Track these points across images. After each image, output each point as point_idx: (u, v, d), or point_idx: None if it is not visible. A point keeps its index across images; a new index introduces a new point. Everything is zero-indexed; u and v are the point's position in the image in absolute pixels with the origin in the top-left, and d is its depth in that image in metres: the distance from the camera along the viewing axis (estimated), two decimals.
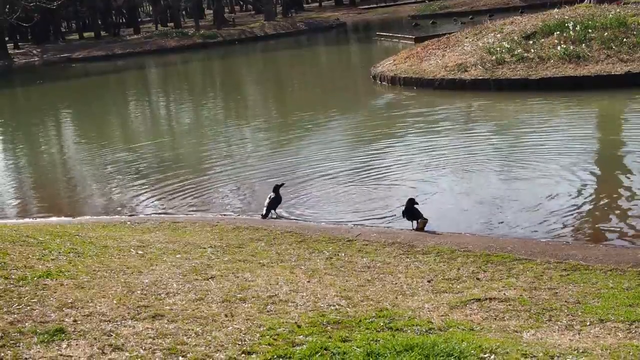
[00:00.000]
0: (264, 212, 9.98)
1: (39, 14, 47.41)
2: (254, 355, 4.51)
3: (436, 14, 54.77)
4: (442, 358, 4.41)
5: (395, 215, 9.48)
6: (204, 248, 7.78)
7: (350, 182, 11.60)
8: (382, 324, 5.14)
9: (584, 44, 18.53)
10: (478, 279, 6.63)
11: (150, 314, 5.15)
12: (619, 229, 8.45)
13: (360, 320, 5.21)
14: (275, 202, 10.06)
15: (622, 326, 5.16)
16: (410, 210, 8.88)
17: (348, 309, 5.55)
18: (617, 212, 9.05)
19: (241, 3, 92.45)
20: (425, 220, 8.86)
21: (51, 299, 5.29)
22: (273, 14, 62.82)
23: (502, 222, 9.01)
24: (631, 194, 9.67)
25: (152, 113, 25.54)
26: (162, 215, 10.69)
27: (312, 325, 5.06)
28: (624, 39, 18.24)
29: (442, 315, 5.48)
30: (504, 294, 6.05)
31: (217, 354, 4.52)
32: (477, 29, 23.24)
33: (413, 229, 8.85)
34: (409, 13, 59.08)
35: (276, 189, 10.23)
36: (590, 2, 23.82)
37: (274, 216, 10.03)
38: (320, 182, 11.76)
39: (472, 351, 4.48)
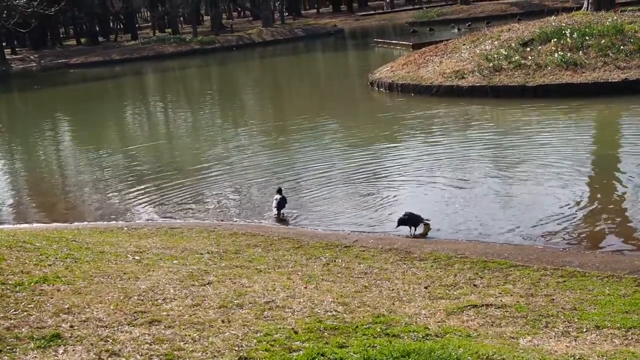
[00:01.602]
0: (275, 212, 10.31)
1: (37, 19, 47.39)
2: None
3: (434, 20, 54.88)
4: None
5: (392, 216, 9.47)
6: (201, 254, 7.78)
7: (347, 188, 11.60)
8: (379, 330, 5.14)
9: (581, 51, 18.59)
10: (475, 285, 6.64)
11: (147, 319, 5.14)
12: (616, 236, 8.47)
13: (357, 326, 5.21)
14: (282, 203, 10.36)
15: (618, 333, 5.17)
16: (411, 217, 8.93)
17: (345, 315, 5.55)
18: (614, 219, 9.07)
19: (239, 9, 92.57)
20: (428, 225, 8.93)
21: (48, 304, 5.29)
22: (271, 20, 62.92)
23: (499, 229, 9.02)
24: (628, 201, 9.69)
25: (150, 119, 25.54)
26: (159, 221, 10.70)
27: (309, 331, 5.06)
28: (621, 46, 18.30)
29: (439, 322, 5.48)
30: (501, 300, 6.06)
31: None
32: (475, 35, 23.29)
33: (411, 236, 8.87)
34: (407, 20, 59.19)
35: (280, 191, 10.54)
36: (587, 9, 23.90)
37: (283, 216, 10.30)
38: (317, 187, 11.77)
39: (469, 357, 4.48)
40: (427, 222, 9.04)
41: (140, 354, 4.53)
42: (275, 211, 10.33)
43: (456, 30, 39.93)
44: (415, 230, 8.96)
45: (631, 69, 17.40)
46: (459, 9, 58.61)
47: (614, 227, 8.79)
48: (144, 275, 6.50)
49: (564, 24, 20.70)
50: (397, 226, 8.97)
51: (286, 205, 10.44)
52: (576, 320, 5.49)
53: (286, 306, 5.70)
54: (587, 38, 19.09)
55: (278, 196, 10.40)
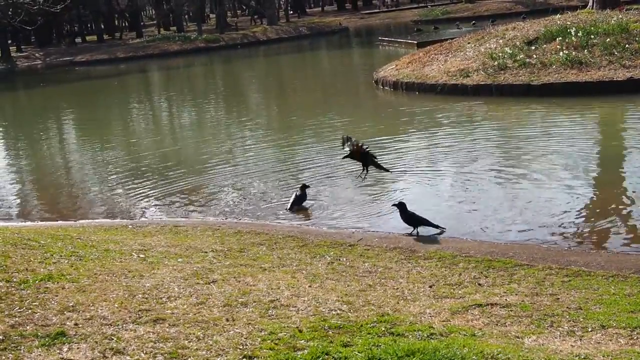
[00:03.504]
0: (289, 205, 10.49)
1: (42, 17, 47.45)
2: None
3: (438, 19, 54.80)
4: None
5: (397, 215, 9.46)
6: (206, 252, 7.78)
7: (351, 186, 11.59)
8: (383, 329, 5.13)
9: (586, 50, 18.53)
10: (479, 284, 6.63)
11: (151, 317, 5.15)
12: (621, 235, 8.44)
13: (361, 325, 5.20)
14: (298, 199, 10.55)
15: (624, 332, 5.16)
16: (411, 216, 8.94)
17: (349, 313, 5.55)
18: (619, 218, 9.04)
19: (244, 7, 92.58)
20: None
21: (52, 302, 5.30)
22: (276, 19, 62.90)
23: (503, 228, 9.01)
24: (633, 200, 9.66)
25: (155, 116, 25.56)
26: (164, 219, 10.71)
27: (314, 330, 5.06)
28: (626, 45, 18.24)
29: (444, 321, 5.47)
30: (506, 299, 6.05)
31: (219, 359, 4.51)
32: (479, 34, 23.25)
33: (412, 234, 8.88)
34: (412, 18, 59.11)
35: (303, 187, 10.71)
36: (592, 8, 23.84)
37: (295, 210, 10.47)
38: (321, 185, 11.76)
39: (474, 357, 4.47)
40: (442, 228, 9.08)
41: (144, 352, 4.54)
42: (289, 204, 10.51)
43: (460, 29, 39.83)
44: (416, 230, 8.98)
45: (636, 68, 17.33)
46: (464, 7, 58.51)
47: (619, 226, 8.76)
48: (149, 273, 6.50)
49: (569, 23, 20.64)
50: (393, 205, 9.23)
51: (303, 202, 10.59)
52: (581, 319, 5.47)
53: (290, 305, 5.70)
54: (592, 37, 19.04)
55: (298, 191, 10.62)
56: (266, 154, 15.17)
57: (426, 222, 8.95)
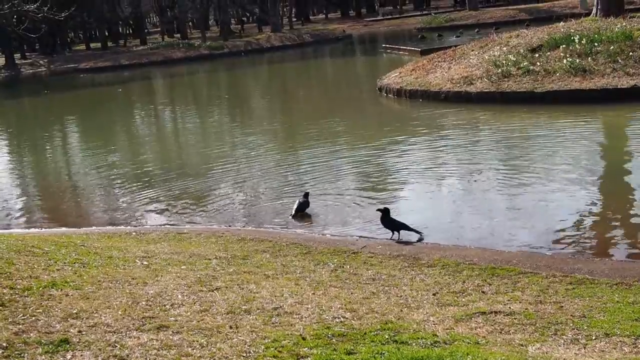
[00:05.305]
0: (293, 212, 10.59)
1: (47, 24, 47.61)
2: None
3: (442, 26, 54.81)
4: None
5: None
6: (209, 259, 7.78)
7: (355, 193, 11.59)
8: (387, 337, 5.12)
9: (590, 58, 18.53)
10: (483, 292, 6.62)
11: (155, 325, 5.15)
12: (625, 243, 8.43)
13: (365, 333, 5.19)
14: (302, 206, 10.62)
15: (627, 340, 5.15)
16: (391, 221, 9.00)
17: (353, 321, 5.54)
18: (623, 226, 9.03)
19: (247, 14, 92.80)
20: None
21: (56, 309, 5.30)
22: (279, 26, 63.03)
23: (507, 236, 9.00)
24: (637, 208, 9.65)
25: (158, 124, 25.61)
26: (168, 226, 10.72)
27: (317, 337, 5.05)
28: (630, 53, 18.24)
29: (447, 329, 5.46)
30: (510, 307, 6.04)
31: None
32: (483, 41, 23.26)
33: (393, 239, 8.90)
34: (415, 25, 59.13)
35: (306, 195, 10.85)
36: (596, 15, 23.83)
37: (298, 217, 10.54)
38: (325, 192, 11.76)
39: None
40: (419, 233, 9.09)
41: (148, 359, 4.53)
42: (292, 211, 10.57)
43: (460, 37, 39.83)
44: (398, 235, 9.02)
45: None
46: (467, 14, 58.51)
47: (623, 234, 8.75)
48: (152, 280, 6.51)
49: (572, 30, 20.64)
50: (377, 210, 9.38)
51: (306, 209, 10.64)
52: (585, 327, 5.46)
53: (294, 312, 5.70)
54: (596, 44, 19.04)
55: (302, 199, 10.70)
56: (270, 161, 15.19)
57: (405, 227, 9.00)
